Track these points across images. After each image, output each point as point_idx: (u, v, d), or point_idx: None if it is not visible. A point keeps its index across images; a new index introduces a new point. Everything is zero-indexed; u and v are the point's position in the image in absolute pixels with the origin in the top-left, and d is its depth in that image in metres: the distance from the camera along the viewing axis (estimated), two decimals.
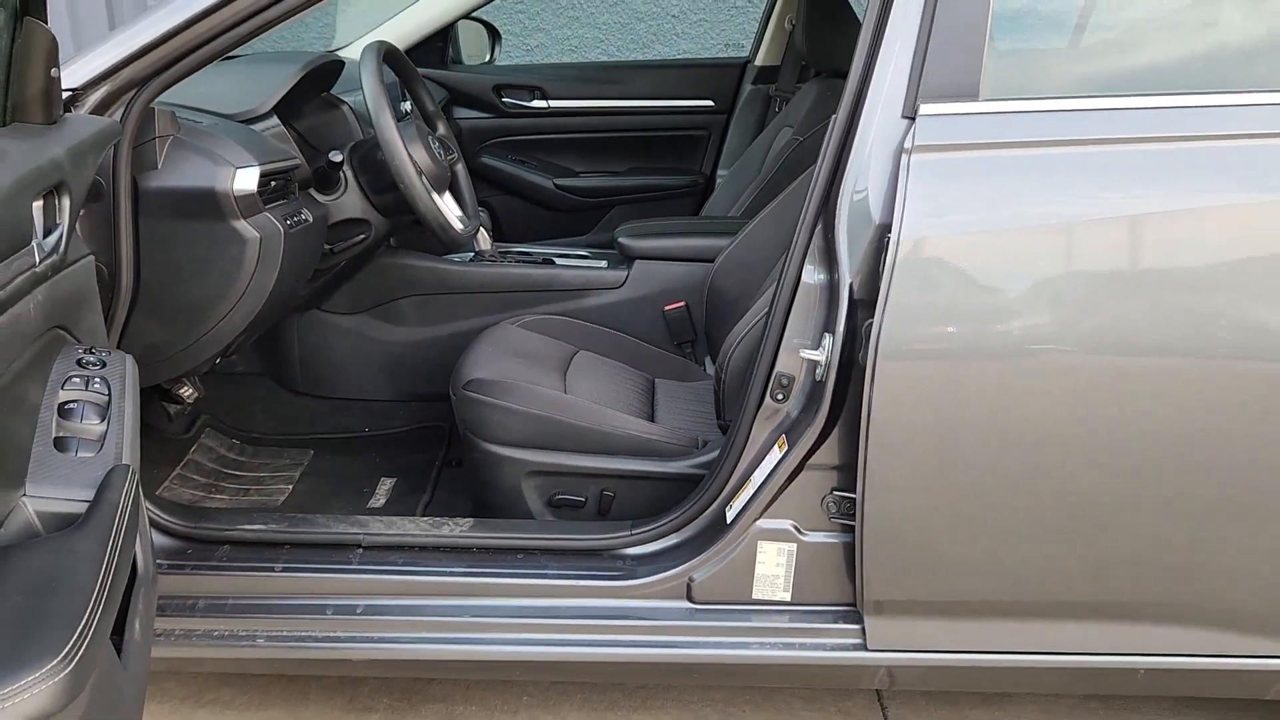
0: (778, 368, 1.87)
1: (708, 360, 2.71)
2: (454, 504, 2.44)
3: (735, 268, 2.52)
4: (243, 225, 1.95)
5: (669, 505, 2.07)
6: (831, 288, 1.80)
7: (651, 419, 2.32)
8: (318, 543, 2.00)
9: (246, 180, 1.92)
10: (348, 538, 2.00)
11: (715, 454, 2.12)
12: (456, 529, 2.02)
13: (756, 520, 1.89)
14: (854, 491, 1.82)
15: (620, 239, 2.79)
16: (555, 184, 3.71)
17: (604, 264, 2.85)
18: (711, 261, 2.58)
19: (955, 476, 1.73)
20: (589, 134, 3.76)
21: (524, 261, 2.81)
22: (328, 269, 2.44)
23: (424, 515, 2.44)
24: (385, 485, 2.56)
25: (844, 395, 1.79)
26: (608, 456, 2.13)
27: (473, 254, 2.81)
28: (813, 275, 1.83)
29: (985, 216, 1.65)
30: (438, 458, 2.65)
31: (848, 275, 1.74)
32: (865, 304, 1.72)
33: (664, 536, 2.00)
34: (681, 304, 2.72)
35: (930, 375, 1.69)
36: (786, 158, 2.81)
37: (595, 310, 2.72)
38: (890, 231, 1.64)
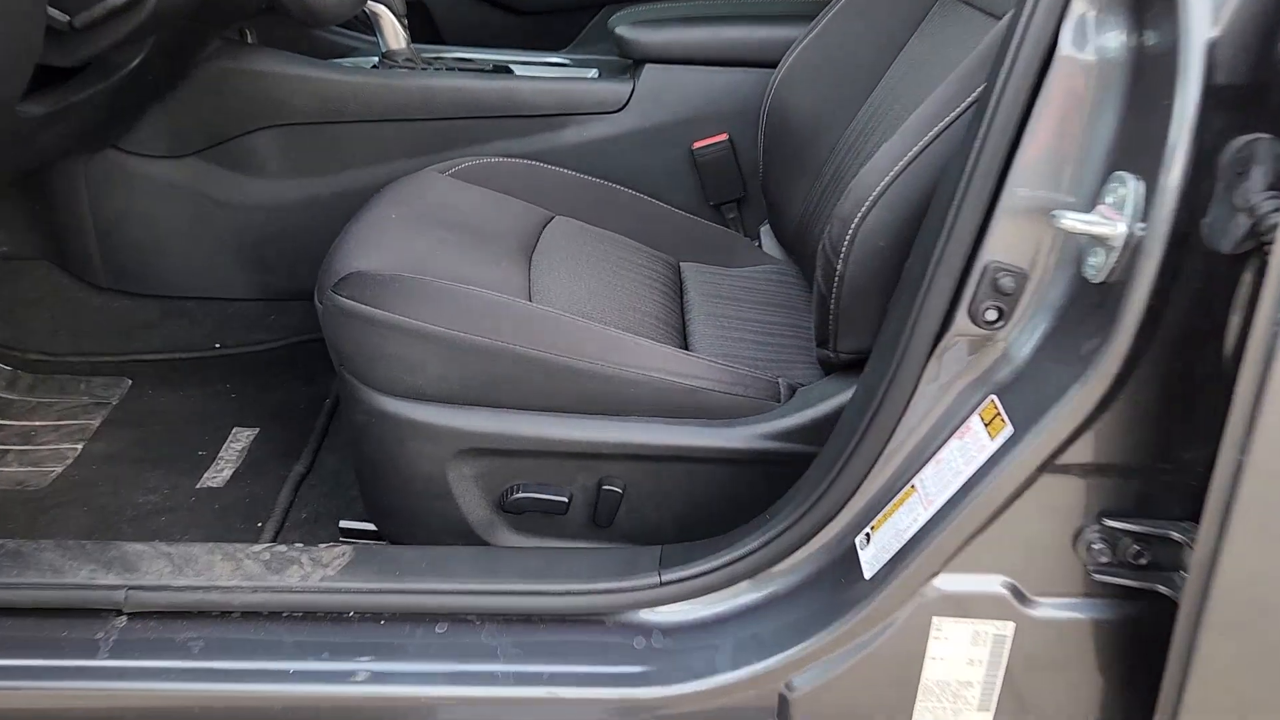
0: (988, 253, 0.86)
1: (764, 231, 1.67)
2: (350, 480, 1.44)
3: (816, 74, 1.46)
4: None
5: (728, 517, 1.08)
6: (1142, 66, 0.78)
7: (683, 343, 1.30)
8: (35, 607, 1.00)
9: None
10: (97, 595, 1.00)
11: (816, 414, 1.11)
12: (314, 569, 1.03)
13: (932, 575, 0.90)
14: (1157, 523, 0.83)
15: (620, 32, 1.70)
16: None
17: (593, 73, 1.77)
18: (771, 66, 1.52)
19: None
20: None
21: (463, 69, 1.73)
22: (91, 68, 1.35)
23: (295, 501, 1.44)
24: (237, 443, 1.54)
25: (1158, 317, 0.78)
26: (607, 419, 1.12)
27: (378, 57, 1.73)
28: (1088, 39, 0.80)
29: None
30: (328, 393, 1.64)
31: (1204, 25, 0.72)
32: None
33: (724, 587, 1.01)
34: (721, 137, 1.65)
35: None
36: None
37: (581, 150, 1.66)
38: None
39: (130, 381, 1.68)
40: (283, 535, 1.37)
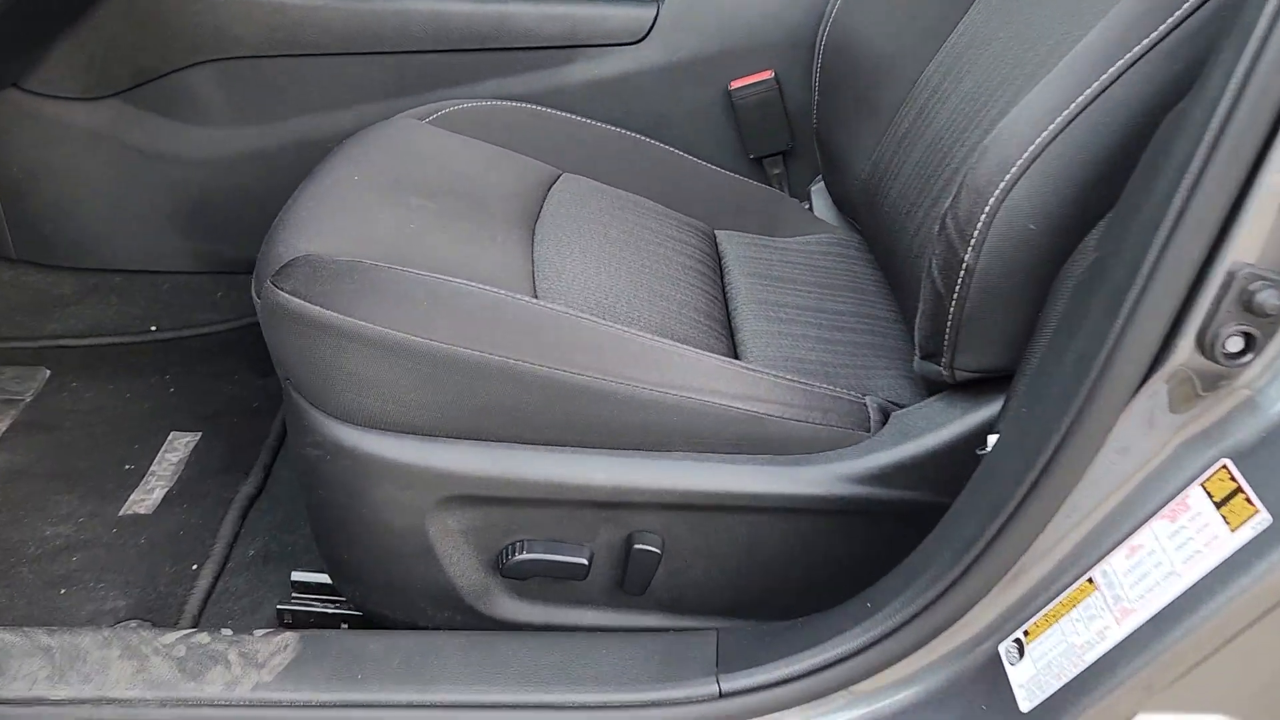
0: (1236, 253, 0.57)
1: (815, 191, 1.38)
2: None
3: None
4: None
5: (800, 586, 0.81)
6: None
7: (731, 345, 1.01)
8: None
9: None
10: None
11: (920, 450, 0.83)
12: (246, 671, 0.75)
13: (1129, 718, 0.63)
14: None
15: None
16: None
17: None
18: None
19: None
20: None
21: None
22: None
23: (241, 533, 1.16)
24: (174, 453, 1.26)
25: None
26: (640, 456, 0.84)
27: None
28: None
29: None
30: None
31: None
32: None
33: (805, 703, 0.73)
34: (765, 75, 1.35)
35: None
36: None
37: (592, 91, 1.35)
38: None
39: (49, 372, 1.38)
40: (223, 580, 1.09)
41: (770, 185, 1.39)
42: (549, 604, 0.90)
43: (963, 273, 0.77)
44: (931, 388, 0.89)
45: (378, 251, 0.89)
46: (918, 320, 0.86)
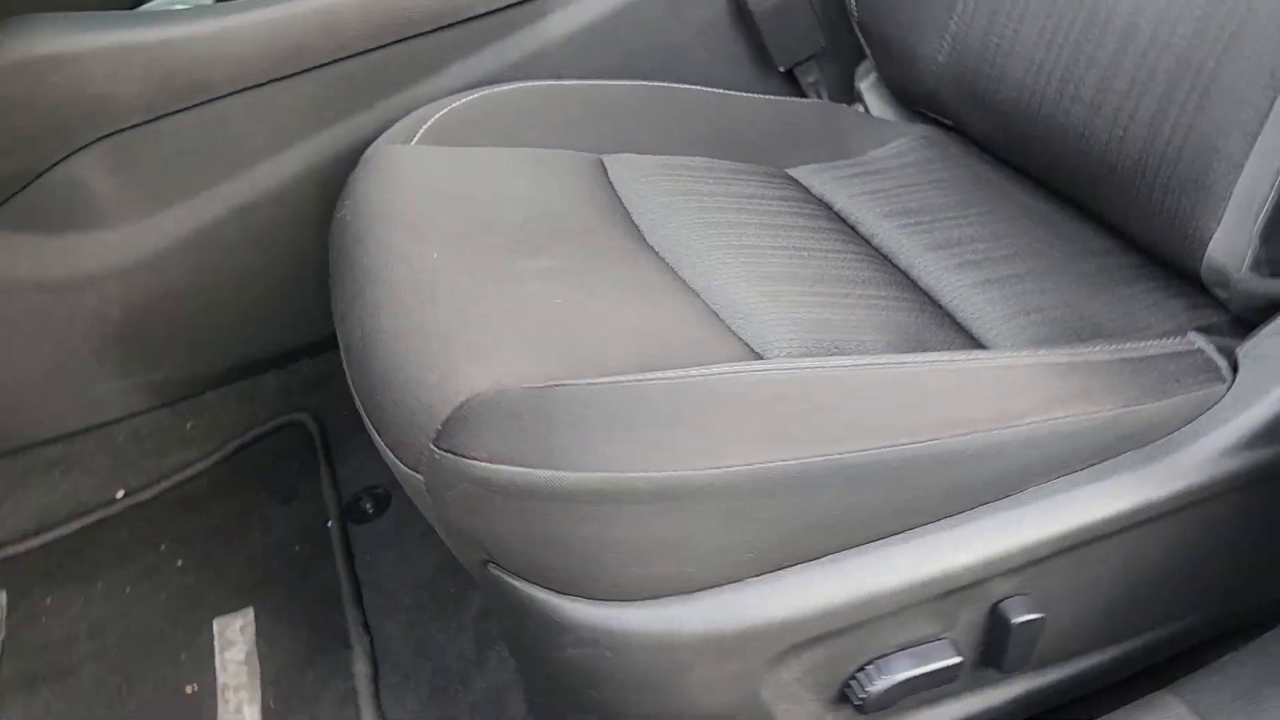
0: None
1: (865, 90, 1.16)
2: (458, 660, 0.92)
3: None
4: None
5: (1205, 589, 0.66)
6: None
7: (956, 327, 0.81)
8: None
9: None
10: None
11: None
12: None
13: None
14: None
15: None
16: None
17: None
18: None
19: None
20: None
21: None
22: None
23: None
24: (233, 647, 0.97)
25: None
26: (995, 512, 0.64)
27: None
28: None
29: None
30: (323, 507, 1.07)
31: None
32: None
33: None
34: None
35: None
36: None
37: (580, 41, 1.08)
38: None
39: (4, 595, 1.05)
40: None
41: (809, 97, 1.18)
42: (897, 715, 0.71)
43: None
44: (1244, 310, 0.72)
45: (548, 358, 0.64)
46: (1263, 221, 0.68)
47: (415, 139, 0.93)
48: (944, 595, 0.64)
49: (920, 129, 1.09)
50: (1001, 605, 0.67)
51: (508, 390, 0.61)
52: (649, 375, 0.59)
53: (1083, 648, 0.73)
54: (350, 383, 0.71)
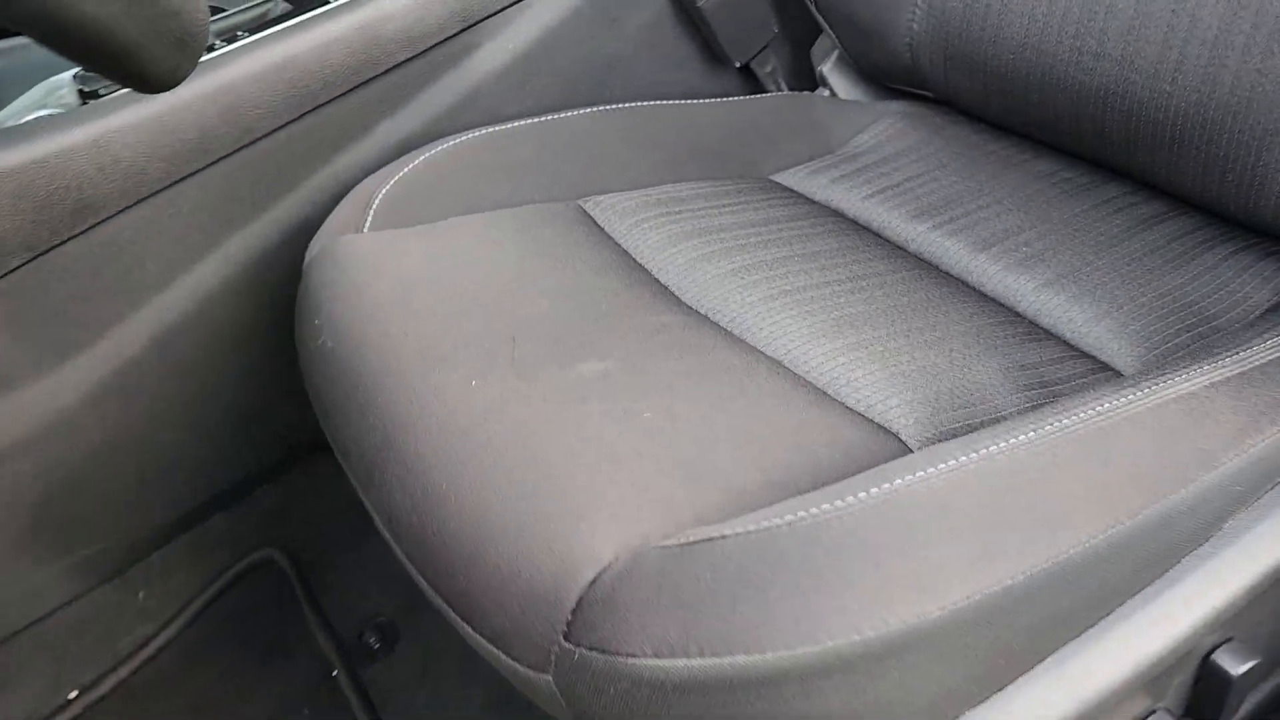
0: None
1: (827, 71, 1.06)
2: None
3: None
4: None
5: None
6: None
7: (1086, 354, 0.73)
8: None
9: None
10: None
11: None
12: None
13: None
14: None
15: None
16: None
17: None
18: None
19: None
20: None
21: (257, 30, 0.91)
22: None
23: None
24: None
25: None
26: (1199, 563, 0.55)
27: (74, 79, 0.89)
28: None
29: None
30: (316, 671, 0.92)
31: None
32: None
33: None
34: None
35: None
36: None
37: (515, 71, 0.94)
38: None
39: None
40: None
41: (770, 89, 1.07)
42: None
43: None
44: None
45: (673, 498, 0.51)
46: None
47: (367, 224, 0.78)
48: (1159, 671, 0.56)
49: (897, 106, 1.00)
50: (1213, 659, 0.59)
51: (644, 554, 0.48)
52: (821, 504, 0.48)
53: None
54: (408, 562, 0.57)
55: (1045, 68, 0.83)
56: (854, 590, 0.45)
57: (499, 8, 0.92)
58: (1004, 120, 0.93)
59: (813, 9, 0.99)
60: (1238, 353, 0.59)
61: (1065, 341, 0.71)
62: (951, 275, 0.79)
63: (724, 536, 0.47)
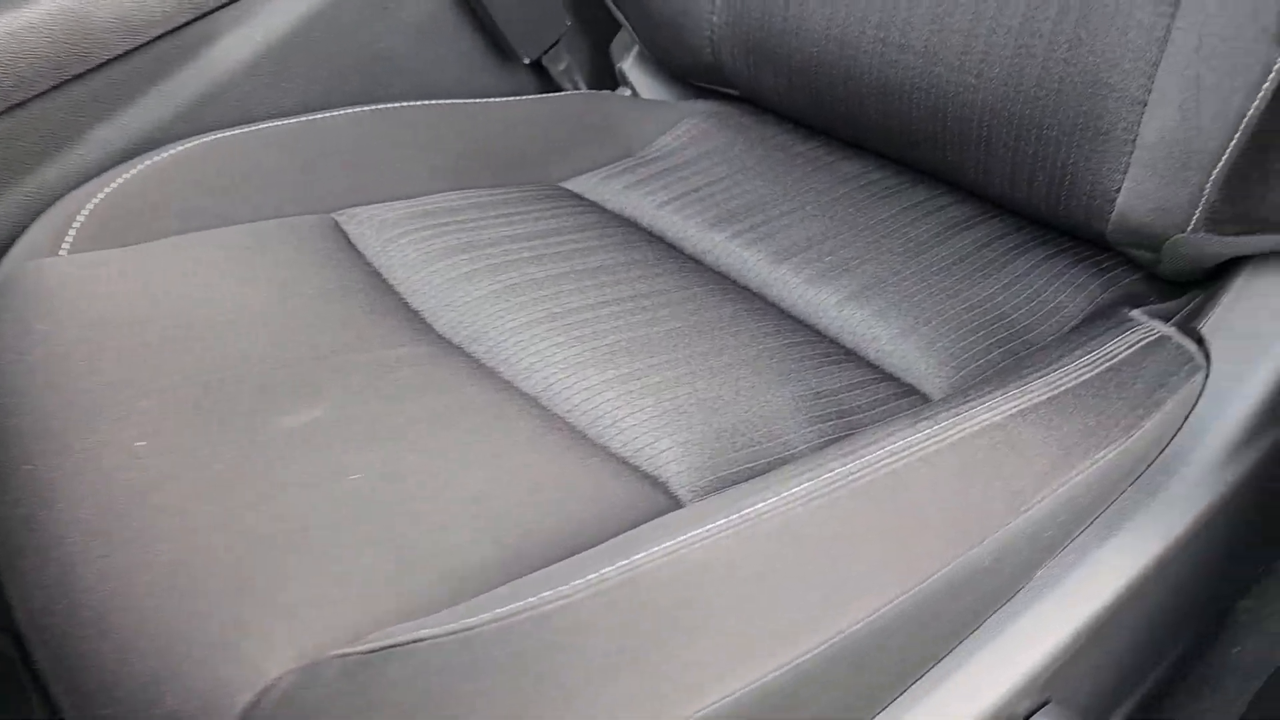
0: None
1: (627, 69, 0.97)
2: None
3: None
4: None
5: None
6: None
7: (840, 349, 0.65)
8: None
9: None
10: None
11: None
12: None
13: None
14: None
15: None
16: None
17: None
18: None
19: None
20: None
21: None
22: None
23: None
24: None
25: None
26: (1016, 620, 0.48)
27: None
28: None
29: None
30: None
31: None
32: None
33: None
34: None
35: None
36: None
37: (260, 66, 0.82)
38: None
39: None
40: None
41: (566, 87, 0.97)
42: None
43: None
44: (1187, 265, 0.60)
45: (371, 586, 0.41)
46: (1223, 171, 0.55)
47: (65, 245, 0.65)
48: None
49: (703, 105, 0.92)
50: (1031, 713, 0.51)
51: (318, 667, 0.38)
52: (542, 590, 0.38)
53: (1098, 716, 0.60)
54: (47, 677, 0.45)
55: (849, 61, 0.76)
56: (573, 710, 0.35)
57: None
58: (812, 119, 0.86)
59: (607, 1, 0.90)
60: (1048, 374, 0.52)
61: (868, 362, 0.63)
62: (750, 289, 0.71)
63: (418, 640, 0.37)
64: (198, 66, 0.80)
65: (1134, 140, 0.60)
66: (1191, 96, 0.56)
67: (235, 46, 0.81)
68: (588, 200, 0.81)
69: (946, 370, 0.62)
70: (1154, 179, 0.59)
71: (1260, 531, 0.61)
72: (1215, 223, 0.56)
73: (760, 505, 0.42)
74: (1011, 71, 0.66)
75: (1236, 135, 0.53)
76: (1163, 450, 0.54)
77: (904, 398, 0.60)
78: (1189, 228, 0.57)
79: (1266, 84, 0.51)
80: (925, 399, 0.61)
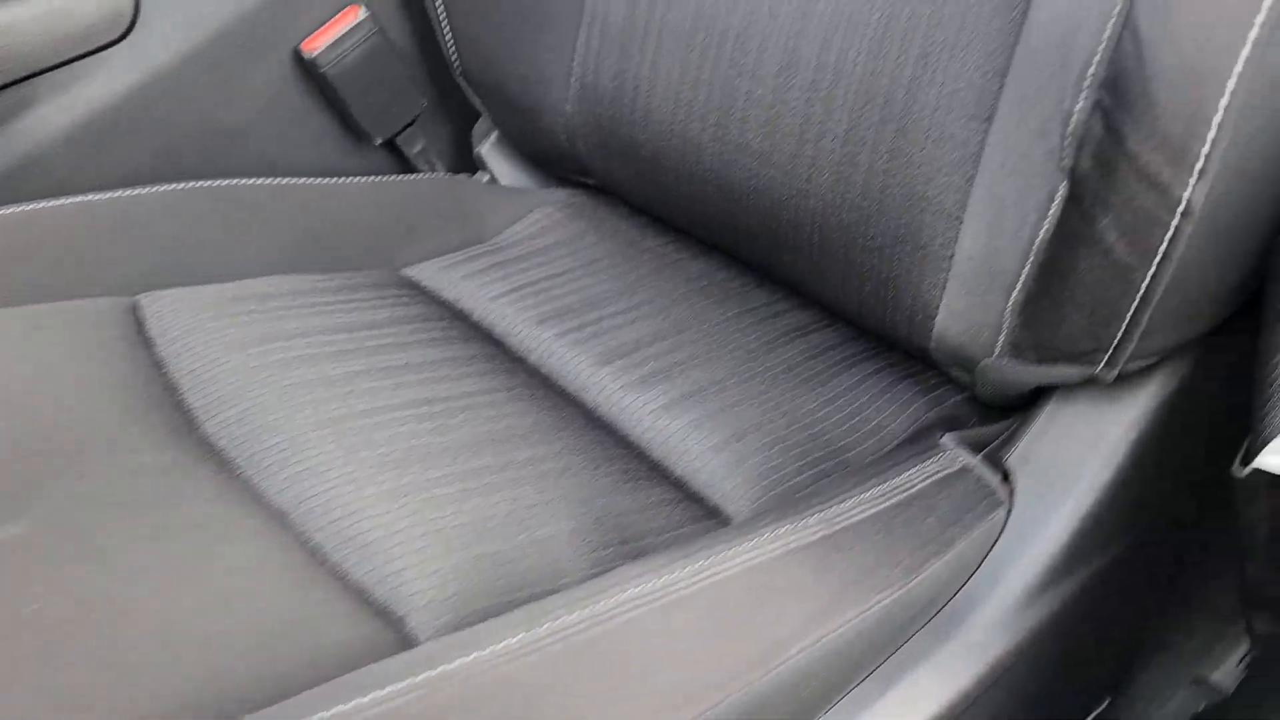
0: None
1: (487, 154, 0.94)
2: None
3: None
4: None
5: None
6: None
7: (642, 462, 0.61)
8: None
9: None
10: None
11: (1095, 495, 0.52)
12: None
13: None
14: None
15: None
16: None
17: None
18: None
19: None
20: None
21: None
22: None
23: None
24: None
25: None
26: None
27: None
28: None
29: None
30: None
31: None
32: None
33: None
34: (352, 13, 0.86)
35: None
36: None
37: (85, 136, 0.78)
38: None
39: None
40: None
41: (422, 169, 0.94)
42: None
43: (1172, 233, 0.44)
44: (998, 390, 0.57)
45: None
46: (1019, 296, 0.52)
47: None
48: None
49: (561, 195, 0.89)
50: None
51: None
52: None
53: None
54: None
55: (692, 158, 0.74)
56: None
57: (59, 61, 0.76)
58: (661, 214, 0.83)
59: (461, 82, 0.88)
60: (831, 506, 0.49)
61: (674, 478, 0.60)
62: (568, 393, 0.67)
63: None
64: (9, 133, 0.76)
65: (950, 257, 0.58)
66: (996, 216, 0.54)
67: (55, 114, 0.77)
68: (424, 289, 0.78)
69: (754, 491, 0.59)
70: (967, 298, 0.57)
71: (1063, 682, 0.58)
72: (1017, 349, 0.53)
73: (476, 655, 0.38)
74: (839, 179, 0.64)
75: (1030, 259, 0.51)
76: (954, 595, 0.50)
77: (703, 520, 0.56)
78: (995, 352, 0.54)
79: (1052, 209, 0.49)
80: (726, 522, 0.57)
